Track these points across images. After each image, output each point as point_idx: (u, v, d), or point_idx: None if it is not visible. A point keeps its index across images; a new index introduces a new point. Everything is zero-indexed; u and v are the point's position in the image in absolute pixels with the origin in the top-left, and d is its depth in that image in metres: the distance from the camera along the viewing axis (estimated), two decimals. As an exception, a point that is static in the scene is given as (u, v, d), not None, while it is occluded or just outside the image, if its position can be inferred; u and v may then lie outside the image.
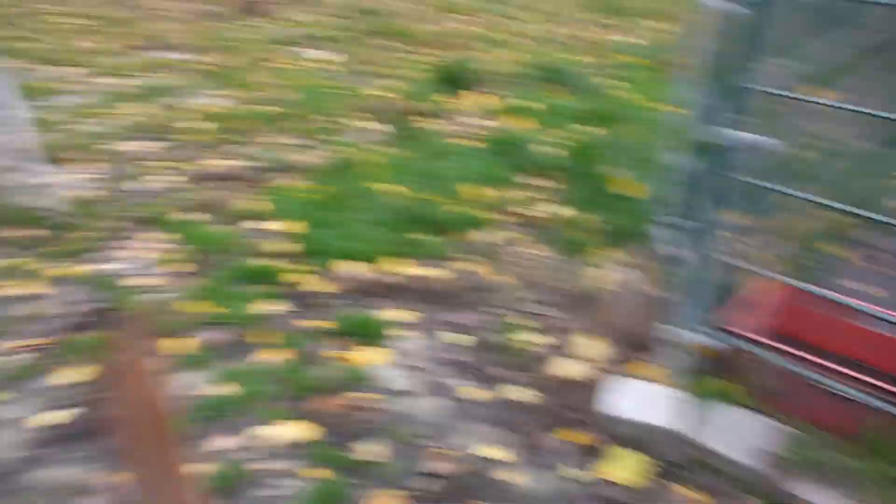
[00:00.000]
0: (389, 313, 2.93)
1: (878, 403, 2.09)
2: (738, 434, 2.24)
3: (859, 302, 2.66)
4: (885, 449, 2.14)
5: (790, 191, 2.58)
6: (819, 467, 2.13)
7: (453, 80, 5.53)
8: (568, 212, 3.66)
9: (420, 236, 3.43)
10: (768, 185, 2.46)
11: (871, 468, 2.11)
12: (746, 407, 2.34)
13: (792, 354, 2.30)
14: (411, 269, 3.20)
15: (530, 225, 3.58)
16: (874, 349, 2.51)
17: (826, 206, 3.03)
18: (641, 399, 2.37)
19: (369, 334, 2.81)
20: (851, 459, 2.13)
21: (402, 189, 3.81)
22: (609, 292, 2.90)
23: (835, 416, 2.23)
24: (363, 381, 2.57)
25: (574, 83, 5.49)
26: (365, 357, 2.70)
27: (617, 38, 7.48)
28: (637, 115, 4.72)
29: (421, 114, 4.96)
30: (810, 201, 2.80)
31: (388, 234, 3.41)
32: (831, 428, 2.23)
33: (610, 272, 3.08)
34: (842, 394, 2.15)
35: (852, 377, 2.18)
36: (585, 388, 2.51)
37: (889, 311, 2.50)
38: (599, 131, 4.56)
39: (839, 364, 2.24)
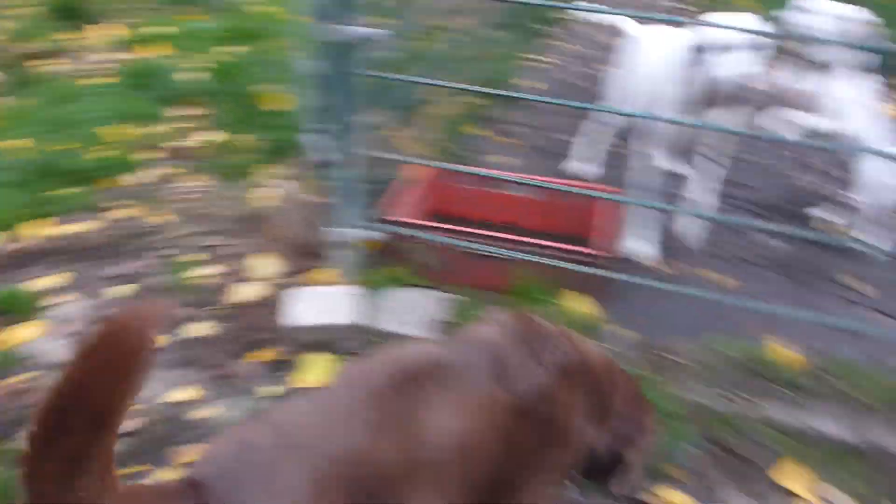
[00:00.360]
0: (40, 282, 2.62)
1: (524, 256, 2.38)
2: (410, 312, 2.42)
3: (499, 172, 2.98)
4: (531, 291, 2.47)
5: (418, 79, 2.75)
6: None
7: (72, 12, 4.91)
8: (221, 136, 3.53)
9: (61, 191, 3.08)
10: (397, 77, 2.58)
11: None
12: (415, 286, 2.53)
13: (446, 229, 2.52)
14: (57, 229, 2.88)
15: (185, 157, 3.40)
16: (515, 211, 2.84)
17: (458, 89, 3.30)
18: (320, 304, 2.44)
19: (19, 309, 2.50)
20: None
21: (28, 143, 3.36)
22: (273, 209, 2.89)
23: (490, 276, 2.50)
24: (20, 363, 2.30)
25: (208, 2, 5.19)
26: (19, 335, 2.41)
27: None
28: (278, 28, 4.63)
29: (38, 56, 4.35)
30: (441, 87, 3.01)
31: (20, 196, 3.01)
32: (489, 287, 2.50)
33: (272, 189, 3.07)
34: (492, 255, 2.42)
35: (500, 238, 2.46)
36: (266, 307, 2.51)
37: (523, 175, 2.82)
38: (242, 49, 4.40)
39: (489, 230, 2.50)
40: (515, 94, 3.73)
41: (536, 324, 1.45)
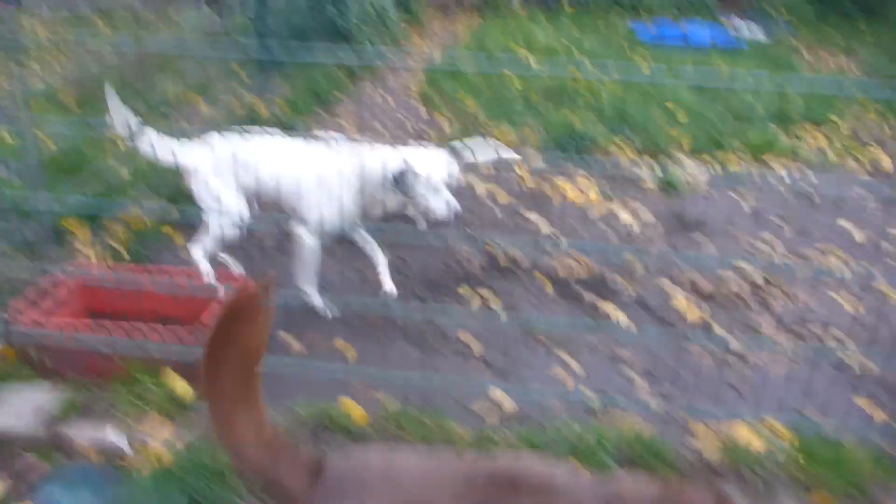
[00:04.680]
0: None
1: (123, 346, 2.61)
2: (21, 406, 2.58)
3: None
4: (134, 376, 2.68)
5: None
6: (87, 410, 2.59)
7: None
8: None
9: None
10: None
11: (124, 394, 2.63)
12: (34, 381, 2.70)
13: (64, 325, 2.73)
14: None
15: None
16: (160, 304, 3.08)
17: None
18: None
19: None
20: (105, 393, 2.63)
21: None
22: None
23: (98, 365, 2.72)
24: None
25: None
26: None
27: None
28: None
29: None
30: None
31: None
32: (98, 375, 2.72)
33: None
34: (101, 348, 2.65)
35: (106, 328, 2.69)
36: None
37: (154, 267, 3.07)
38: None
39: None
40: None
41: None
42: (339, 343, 3.14)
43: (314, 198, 3.18)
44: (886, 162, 5.46)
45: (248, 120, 5.31)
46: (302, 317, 3.31)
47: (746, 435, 2.53)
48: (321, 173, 3.16)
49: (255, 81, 6.12)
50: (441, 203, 3.11)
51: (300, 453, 1.37)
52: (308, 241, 3.25)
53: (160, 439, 2.44)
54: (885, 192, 4.93)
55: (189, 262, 3.19)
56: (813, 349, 3.21)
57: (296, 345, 3.11)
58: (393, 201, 3.20)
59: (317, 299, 3.34)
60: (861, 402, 2.85)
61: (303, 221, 3.24)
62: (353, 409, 2.57)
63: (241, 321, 1.31)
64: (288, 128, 5.12)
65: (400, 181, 3.06)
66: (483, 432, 2.52)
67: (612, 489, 1.29)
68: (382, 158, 3.11)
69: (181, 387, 2.61)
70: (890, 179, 5.29)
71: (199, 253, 3.22)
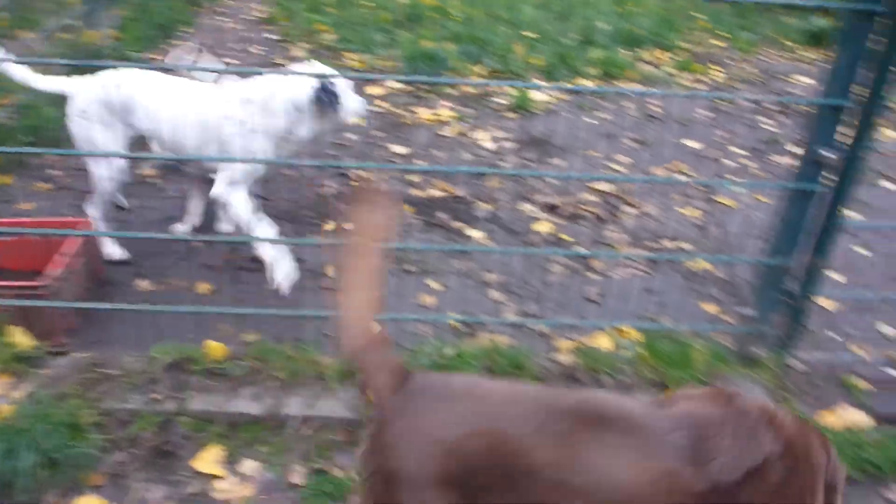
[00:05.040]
0: None
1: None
2: None
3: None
4: None
5: None
6: None
7: None
8: None
9: None
10: None
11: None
12: None
13: None
14: None
15: None
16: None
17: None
18: None
19: None
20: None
21: None
22: None
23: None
24: None
25: None
26: None
27: None
28: None
29: None
30: None
31: None
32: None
33: None
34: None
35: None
36: None
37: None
38: None
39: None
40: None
41: (750, 404, 1.39)
42: (203, 286, 3.00)
43: (234, 143, 2.85)
44: (721, 76, 5.83)
45: (86, 54, 4.84)
46: (164, 261, 3.13)
47: (604, 343, 2.67)
48: (226, 113, 2.84)
49: (88, 10, 5.52)
50: (358, 102, 2.95)
51: (393, 359, 1.40)
52: (233, 195, 2.91)
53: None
54: (722, 106, 5.26)
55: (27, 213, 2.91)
56: (662, 259, 3.40)
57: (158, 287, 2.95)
58: (307, 129, 2.90)
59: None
60: (705, 305, 3.06)
61: (219, 171, 2.95)
62: (214, 349, 2.46)
63: (369, 207, 1.40)
64: (133, 62, 4.74)
65: (323, 98, 2.80)
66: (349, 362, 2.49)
67: (684, 414, 1.36)
68: (287, 83, 2.83)
69: (21, 339, 2.40)
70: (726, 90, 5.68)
71: (95, 213, 3.00)
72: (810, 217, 2.36)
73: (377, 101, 4.85)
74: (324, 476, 2.16)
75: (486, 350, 2.52)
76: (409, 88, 5.16)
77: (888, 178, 4.38)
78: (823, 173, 2.28)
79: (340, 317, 1.38)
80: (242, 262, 3.14)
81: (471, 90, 5.22)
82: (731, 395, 1.42)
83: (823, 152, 2.24)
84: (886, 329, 3.03)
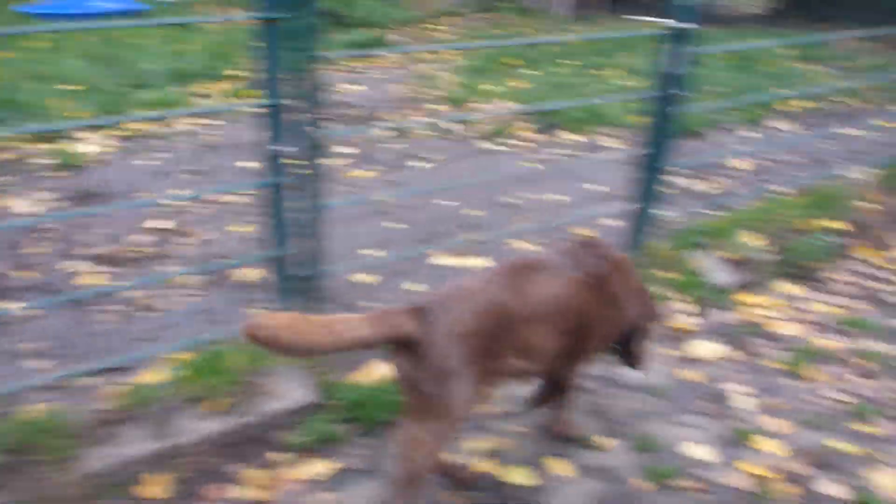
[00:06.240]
0: None
1: None
2: None
3: None
4: None
5: None
6: None
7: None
8: None
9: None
10: None
11: None
12: None
13: None
14: None
15: None
16: None
17: None
18: None
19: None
20: None
21: None
22: None
23: None
24: None
25: None
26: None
27: None
28: None
29: None
30: None
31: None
32: None
33: None
34: None
35: None
36: None
37: None
38: None
39: None
40: None
41: (596, 241, 2.36)
42: None
43: None
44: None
45: None
46: None
47: (155, 377, 2.63)
48: None
49: None
50: None
51: (398, 310, 1.91)
52: None
53: None
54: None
55: None
56: (211, 275, 3.46)
57: None
58: None
59: None
60: (251, 310, 3.19)
61: None
62: None
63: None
64: None
65: None
66: None
67: (566, 252, 2.27)
68: None
69: None
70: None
71: None
72: (295, 207, 2.60)
73: None
74: None
75: (19, 425, 2.33)
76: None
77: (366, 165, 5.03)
78: (287, 165, 2.52)
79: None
80: None
81: (8, 156, 4.80)
82: (590, 243, 2.34)
83: (278, 147, 2.48)
84: (412, 286, 3.48)
